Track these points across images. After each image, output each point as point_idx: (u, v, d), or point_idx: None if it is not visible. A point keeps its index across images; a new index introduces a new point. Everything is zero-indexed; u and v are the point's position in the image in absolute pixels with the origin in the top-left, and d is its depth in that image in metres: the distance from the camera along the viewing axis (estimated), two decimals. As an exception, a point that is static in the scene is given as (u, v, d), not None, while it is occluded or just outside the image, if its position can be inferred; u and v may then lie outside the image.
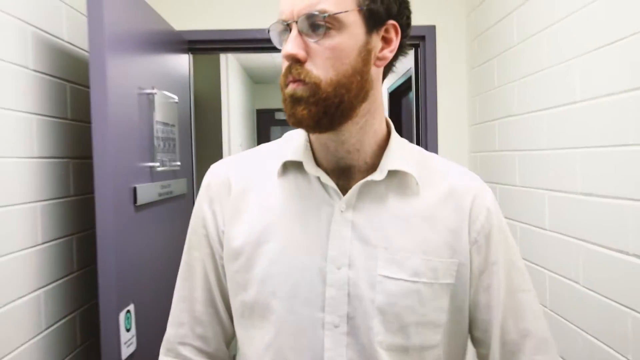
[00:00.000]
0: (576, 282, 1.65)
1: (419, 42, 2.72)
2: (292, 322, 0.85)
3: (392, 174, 0.87)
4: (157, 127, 2.05)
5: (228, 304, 0.95)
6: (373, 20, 0.81)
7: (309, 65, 0.79)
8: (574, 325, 1.66)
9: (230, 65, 4.64)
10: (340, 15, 0.78)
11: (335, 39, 0.78)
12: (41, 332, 1.62)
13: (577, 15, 1.61)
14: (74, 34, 1.91)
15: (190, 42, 2.60)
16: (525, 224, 2.03)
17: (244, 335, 0.91)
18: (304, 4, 0.78)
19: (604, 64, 1.47)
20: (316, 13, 0.77)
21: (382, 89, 0.89)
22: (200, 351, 0.97)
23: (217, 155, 4.06)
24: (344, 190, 0.87)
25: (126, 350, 1.72)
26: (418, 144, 2.81)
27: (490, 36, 2.38)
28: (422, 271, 0.85)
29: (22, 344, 1.52)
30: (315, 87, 0.78)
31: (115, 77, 1.68)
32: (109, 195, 1.64)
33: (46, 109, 1.69)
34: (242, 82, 5.53)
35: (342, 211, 0.86)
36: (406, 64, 3.09)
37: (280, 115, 6.75)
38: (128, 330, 1.73)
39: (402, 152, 0.89)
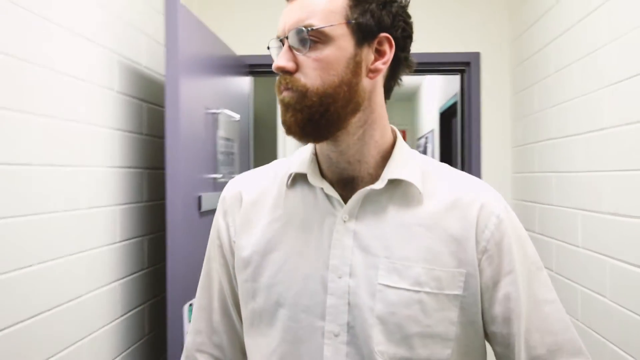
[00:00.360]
0: (603, 296, 1.75)
1: (464, 67, 2.87)
2: (294, 330, 0.87)
3: (395, 183, 0.88)
4: (220, 143, 2.28)
5: (240, 313, 0.99)
6: (363, 33, 0.83)
7: (298, 75, 0.82)
8: (601, 336, 1.76)
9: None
10: (327, 29, 0.81)
11: (323, 52, 0.81)
12: (117, 319, 1.86)
13: (606, 49, 1.74)
14: (150, 59, 2.18)
15: (251, 65, 2.84)
16: (561, 241, 2.14)
17: (252, 344, 0.93)
18: (293, 20, 0.83)
19: (629, 94, 1.60)
20: (303, 28, 0.81)
21: (381, 100, 0.90)
22: (217, 359, 1.02)
23: (272, 169, 4.28)
24: (347, 201, 0.88)
25: (187, 341, 1.94)
26: (462, 164, 2.95)
27: (531, 63, 2.51)
28: (424, 280, 0.84)
29: (102, 327, 1.76)
30: (301, 94, 0.81)
31: (186, 98, 1.92)
32: (179, 202, 1.87)
33: (126, 125, 1.95)
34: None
35: (344, 221, 0.87)
36: (455, 87, 3.24)
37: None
38: (190, 321, 1.95)
39: (406, 162, 0.90)
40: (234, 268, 0.97)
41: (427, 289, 0.84)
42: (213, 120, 2.21)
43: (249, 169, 2.88)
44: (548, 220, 2.29)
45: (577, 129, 1.97)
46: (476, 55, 2.83)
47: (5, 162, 1.30)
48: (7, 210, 1.29)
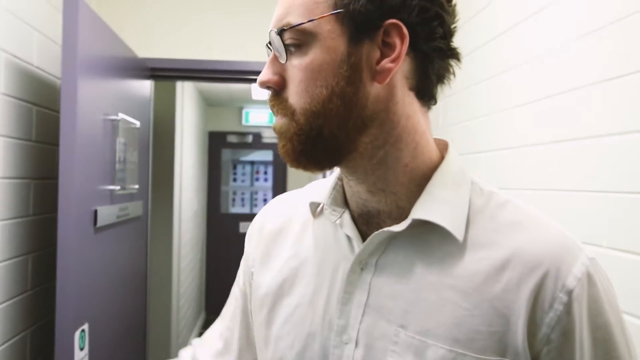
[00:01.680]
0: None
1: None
2: None
3: (426, 225, 0.66)
4: (120, 152, 2.11)
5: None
6: (359, 24, 0.63)
7: (287, 93, 0.66)
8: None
9: (186, 89, 4.72)
10: (307, 26, 0.63)
11: (307, 57, 0.64)
12: (-6, 349, 1.64)
13: (508, 34, 1.80)
14: (44, 59, 1.97)
15: (153, 69, 2.68)
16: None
17: None
18: (275, 19, 0.66)
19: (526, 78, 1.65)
20: (282, 29, 0.64)
21: (407, 109, 0.67)
22: None
23: (169, 177, 4.09)
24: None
25: (78, 370, 1.76)
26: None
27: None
28: None
29: (-24, 361, 1.55)
30: (290, 118, 0.66)
31: (84, 102, 1.75)
32: (72, 216, 1.70)
33: (12, 131, 1.74)
34: (196, 104, 5.60)
35: (361, 269, 0.68)
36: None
37: (232, 138, 6.83)
38: (82, 349, 1.77)
39: (448, 194, 0.67)
40: (250, 302, 0.84)
41: None
42: (112, 127, 2.04)
43: (148, 179, 2.71)
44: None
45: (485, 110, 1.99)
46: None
47: None
48: None
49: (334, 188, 0.74)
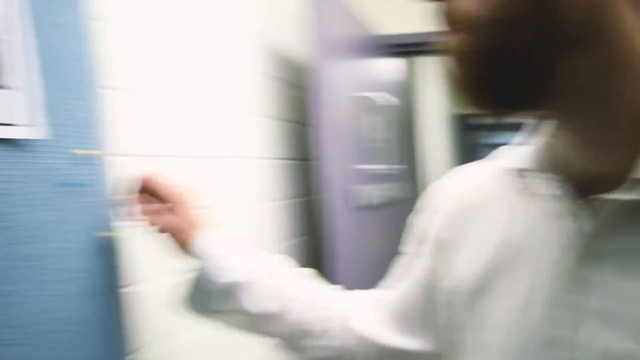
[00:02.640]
0: None
1: None
2: None
3: None
4: (371, 130, 2.08)
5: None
6: None
7: None
8: None
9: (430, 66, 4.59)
10: None
11: None
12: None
13: None
14: (297, 43, 2.01)
15: (403, 45, 2.60)
16: None
17: None
18: None
19: None
20: None
21: (635, 23, 0.46)
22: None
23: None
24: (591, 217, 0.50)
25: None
26: None
27: None
28: None
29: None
30: (459, 32, 0.48)
31: (333, 80, 1.74)
32: (334, 197, 1.69)
33: (269, 110, 1.79)
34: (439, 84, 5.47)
35: (587, 260, 0.49)
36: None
37: (477, 120, 6.51)
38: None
39: None
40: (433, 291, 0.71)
41: None
42: (363, 105, 2.01)
43: (413, 159, 2.65)
44: None
45: None
46: None
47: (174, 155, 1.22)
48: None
49: (539, 150, 0.55)
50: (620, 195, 0.47)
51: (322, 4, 1.70)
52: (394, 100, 2.28)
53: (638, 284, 0.46)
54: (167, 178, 0.93)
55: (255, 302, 0.84)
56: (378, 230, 2.14)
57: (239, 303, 0.85)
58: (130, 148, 1.08)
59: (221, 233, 0.91)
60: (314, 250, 1.95)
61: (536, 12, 0.44)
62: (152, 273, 1.12)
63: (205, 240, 0.88)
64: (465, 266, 0.61)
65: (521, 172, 0.56)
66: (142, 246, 1.02)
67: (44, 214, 0.76)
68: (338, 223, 1.74)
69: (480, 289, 0.59)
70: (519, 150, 0.58)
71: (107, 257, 0.90)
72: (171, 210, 0.90)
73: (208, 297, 0.87)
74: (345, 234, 1.80)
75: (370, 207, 2.04)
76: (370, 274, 2.01)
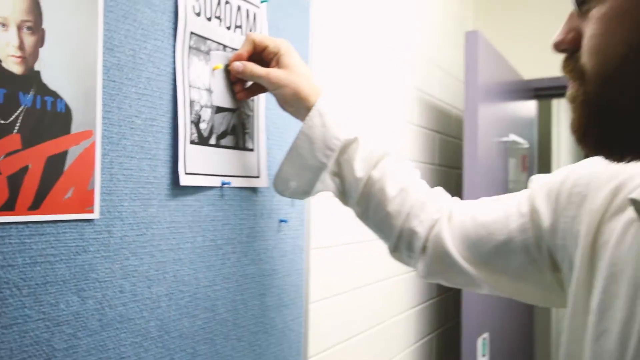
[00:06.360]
0: None
1: None
2: None
3: None
4: (511, 172, 2.20)
5: None
6: None
7: (579, 53, 0.53)
8: None
9: (562, 105, 4.55)
10: None
11: (605, 5, 0.50)
12: (411, 346, 1.90)
13: None
14: (443, 92, 2.21)
15: (536, 89, 2.70)
16: None
17: None
18: None
19: None
20: None
21: None
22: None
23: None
24: None
25: (480, 376, 1.89)
26: None
27: None
28: None
29: (398, 354, 1.81)
30: (579, 83, 0.53)
31: (482, 127, 1.90)
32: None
33: (420, 156, 2.00)
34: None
35: None
36: None
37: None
38: (483, 355, 1.89)
39: None
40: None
41: None
42: (504, 148, 2.15)
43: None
44: None
45: None
46: None
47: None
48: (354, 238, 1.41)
49: None
50: None
51: (478, 54, 1.86)
52: (525, 142, 2.38)
53: None
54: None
55: (365, 163, 0.86)
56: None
57: (350, 162, 0.86)
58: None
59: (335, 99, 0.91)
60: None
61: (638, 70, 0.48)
62: (327, 289, 1.35)
63: (328, 100, 0.86)
64: (582, 234, 0.63)
65: (636, 203, 0.57)
66: (321, 268, 1.26)
67: (264, 243, 1.02)
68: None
69: (605, 306, 0.59)
70: None
71: (298, 276, 1.13)
72: (288, 67, 0.86)
73: (324, 154, 0.85)
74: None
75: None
76: (504, 301, 2.13)
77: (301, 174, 0.87)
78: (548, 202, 0.72)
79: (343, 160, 0.86)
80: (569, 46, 0.54)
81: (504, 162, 2.14)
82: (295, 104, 0.86)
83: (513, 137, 2.20)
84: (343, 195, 0.91)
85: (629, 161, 0.52)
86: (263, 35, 0.91)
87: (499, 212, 0.80)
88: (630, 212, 0.60)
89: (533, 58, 2.71)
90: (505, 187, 2.15)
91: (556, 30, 0.55)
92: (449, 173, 2.20)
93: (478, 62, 1.83)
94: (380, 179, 0.86)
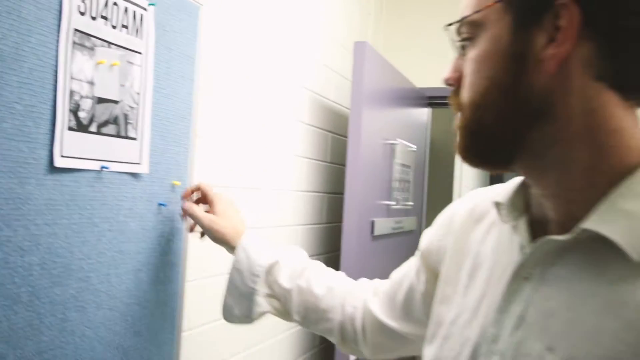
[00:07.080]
0: None
1: None
2: None
3: (601, 240, 0.56)
4: (395, 171, 2.40)
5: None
6: (524, 10, 0.58)
7: (461, 89, 0.65)
8: None
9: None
10: (476, 17, 0.61)
11: (475, 49, 0.62)
12: (290, 329, 2.05)
13: None
14: (339, 95, 2.38)
15: (430, 97, 2.92)
16: None
17: None
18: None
19: None
20: (458, 23, 0.64)
21: (587, 104, 0.58)
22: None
23: (447, 197, 4.30)
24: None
25: None
26: None
27: None
28: None
29: (274, 335, 1.95)
30: (462, 112, 0.65)
31: (367, 129, 2.07)
32: (354, 225, 2.02)
33: (312, 154, 2.15)
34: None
35: (524, 278, 0.62)
36: None
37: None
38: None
39: (636, 208, 0.56)
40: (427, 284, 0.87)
41: None
42: (390, 150, 2.34)
43: (422, 197, 2.96)
44: None
45: None
46: None
47: (241, 187, 1.54)
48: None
49: (515, 190, 0.69)
50: (561, 237, 0.58)
51: (364, 61, 2.02)
52: (413, 146, 2.59)
53: (561, 305, 0.58)
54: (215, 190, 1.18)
55: (290, 278, 1.05)
56: (390, 255, 2.46)
57: (277, 281, 1.05)
58: (206, 180, 1.43)
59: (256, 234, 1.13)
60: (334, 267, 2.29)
61: (502, 99, 0.60)
62: (204, 270, 1.47)
63: (250, 236, 1.10)
64: (455, 272, 0.76)
65: (499, 205, 0.70)
66: (198, 249, 1.38)
67: (143, 224, 1.12)
68: (358, 248, 2.06)
69: (461, 290, 0.74)
70: (506, 187, 0.72)
71: (175, 256, 1.24)
72: (218, 213, 1.12)
73: (252, 281, 1.05)
74: (363, 256, 2.11)
75: (387, 236, 2.36)
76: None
77: (239, 301, 1.07)
78: (432, 237, 0.88)
79: (271, 282, 1.06)
80: (454, 83, 0.66)
81: (389, 163, 2.33)
82: (223, 245, 1.12)
83: (400, 140, 2.40)
84: (282, 312, 1.08)
85: (501, 171, 0.67)
86: (207, 184, 1.19)
87: (407, 266, 0.96)
88: (491, 217, 0.74)
89: (431, 70, 2.92)
90: (389, 185, 2.34)
91: (449, 50, 0.68)
92: (341, 170, 2.37)
93: (364, 69, 1.99)
94: (307, 285, 1.04)
